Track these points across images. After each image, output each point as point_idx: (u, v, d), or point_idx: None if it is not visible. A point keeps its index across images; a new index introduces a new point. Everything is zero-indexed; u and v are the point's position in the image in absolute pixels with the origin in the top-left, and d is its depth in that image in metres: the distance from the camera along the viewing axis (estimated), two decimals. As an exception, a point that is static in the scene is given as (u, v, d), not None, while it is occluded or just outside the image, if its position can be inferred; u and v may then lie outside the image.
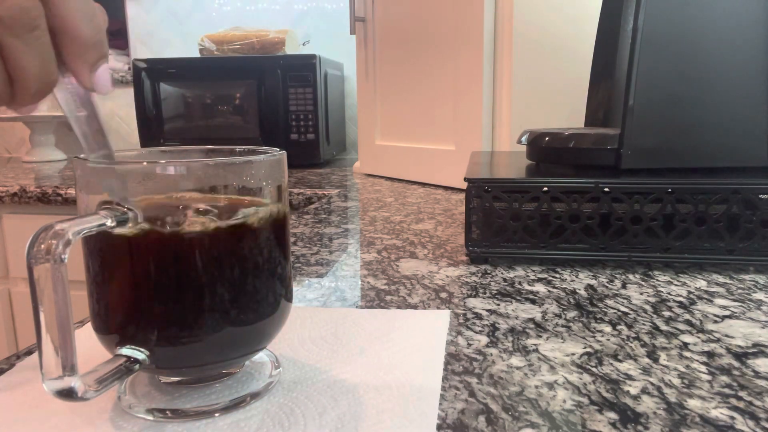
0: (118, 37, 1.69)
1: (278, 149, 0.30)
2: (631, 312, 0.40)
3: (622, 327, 0.37)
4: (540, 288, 0.45)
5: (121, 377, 0.25)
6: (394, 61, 1.08)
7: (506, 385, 0.29)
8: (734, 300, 0.42)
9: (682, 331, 0.36)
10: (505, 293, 0.44)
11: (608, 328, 0.37)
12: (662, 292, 0.44)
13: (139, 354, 0.25)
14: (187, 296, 0.25)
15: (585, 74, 0.77)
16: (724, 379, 0.30)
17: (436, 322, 0.38)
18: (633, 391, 0.29)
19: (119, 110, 1.78)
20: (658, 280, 0.46)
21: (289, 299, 0.30)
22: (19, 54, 0.23)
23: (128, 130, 1.79)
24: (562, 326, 0.37)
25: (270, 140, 1.34)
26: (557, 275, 0.48)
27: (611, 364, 0.32)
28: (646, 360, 0.32)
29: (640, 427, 0.25)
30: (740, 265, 0.50)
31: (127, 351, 0.26)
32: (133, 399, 0.28)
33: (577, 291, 0.44)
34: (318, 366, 0.32)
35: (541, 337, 0.36)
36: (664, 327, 0.37)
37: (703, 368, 0.31)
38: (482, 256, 0.53)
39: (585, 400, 0.28)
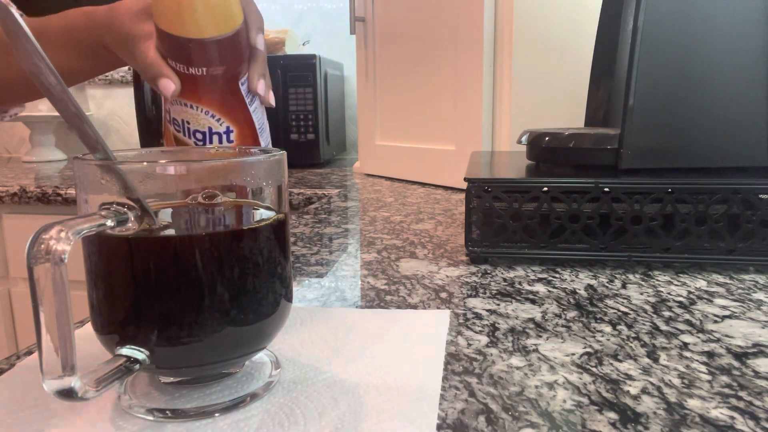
0: (118, 37, 1.68)
1: (278, 149, 0.30)
2: (631, 312, 0.40)
3: (622, 327, 0.37)
4: (540, 288, 0.45)
5: (121, 377, 0.24)
6: (394, 61, 1.08)
7: (506, 385, 0.29)
8: (734, 300, 0.42)
9: (682, 331, 0.36)
10: (505, 293, 0.44)
11: (608, 328, 0.37)
12: (662, 292, 0.44)
13: (139, 354, 0.25)
14: (187, 296, 0.25)
15: (585, 74, 0.77)
16: (724, 379, 0.30)
17: (436, 322, 0.38)
18: (633, 391, 0.29)
19: (119, 110, 1.78)
20: (658, 280, 0.46)
21: (289, 299, 0.30)
22: None
23: (128, 130, 1.79)
24: (562, 326, 0.37)
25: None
26: (557, 275, 0.48)
27: (611, 364, 0.32)
28: (646, 360, 0.32)
29: (640, 427, 0.25)
30: (740, 265, 0.50)
31: (127, 351, 0.26)
32: (133, 399, 0.28)
33: (577, 291, 0.44)
34: (318, 366, 0.32)
35: (541, 337, 0.36)
36: (664, 327, 0.37)
37: (703, 368, 0.31)
38: (482, 256, 0.53)
39: (585, 400, 0.28)
